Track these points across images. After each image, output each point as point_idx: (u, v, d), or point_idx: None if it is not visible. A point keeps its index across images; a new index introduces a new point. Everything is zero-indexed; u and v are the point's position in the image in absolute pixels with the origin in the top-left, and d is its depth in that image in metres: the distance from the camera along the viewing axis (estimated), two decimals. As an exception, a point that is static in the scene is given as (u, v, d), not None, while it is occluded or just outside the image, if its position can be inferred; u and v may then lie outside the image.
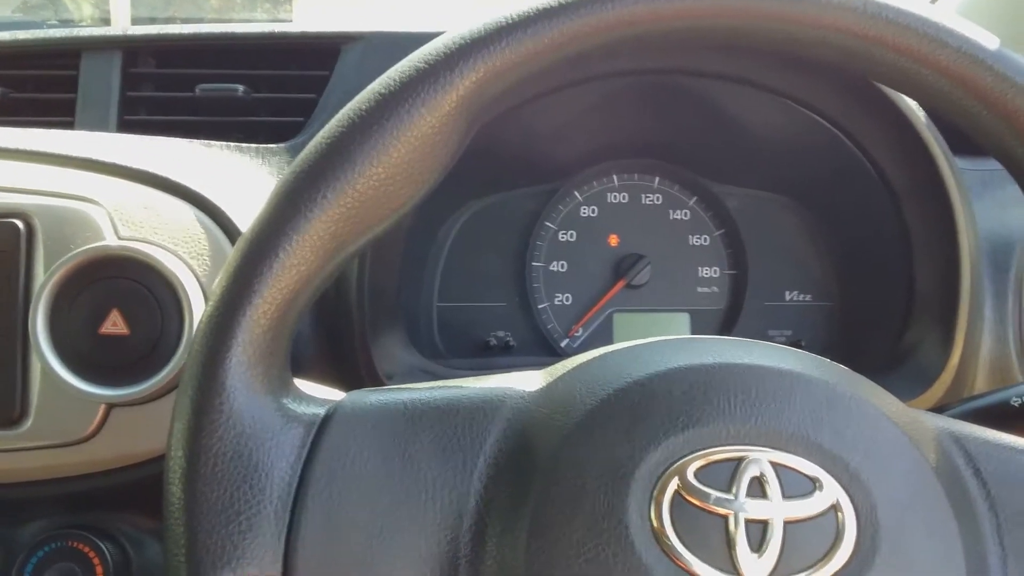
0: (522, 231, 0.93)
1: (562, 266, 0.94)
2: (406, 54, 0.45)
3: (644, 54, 0.75)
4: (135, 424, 0.65)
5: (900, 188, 0.78)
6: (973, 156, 0.83)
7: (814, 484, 0.39)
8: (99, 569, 0.71)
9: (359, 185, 0.42)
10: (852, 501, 0.39)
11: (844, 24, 0.45)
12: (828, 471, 0.40)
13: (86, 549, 0.71)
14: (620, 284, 0.93)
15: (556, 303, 0.93)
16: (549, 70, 0.45)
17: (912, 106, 0.75)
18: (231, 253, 0.43)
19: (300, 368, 0.71)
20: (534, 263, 0.93)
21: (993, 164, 0.84)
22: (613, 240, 0.94)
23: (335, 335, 0.74)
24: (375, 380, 0.73)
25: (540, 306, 0.93)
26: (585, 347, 0.93)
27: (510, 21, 0.43)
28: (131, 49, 0.87)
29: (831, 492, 0.39)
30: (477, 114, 0.45)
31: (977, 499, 0.42)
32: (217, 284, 0.42)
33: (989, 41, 0.45)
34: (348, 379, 0.73)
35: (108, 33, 0.87)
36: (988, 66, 0.45)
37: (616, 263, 0.93)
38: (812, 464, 0.40)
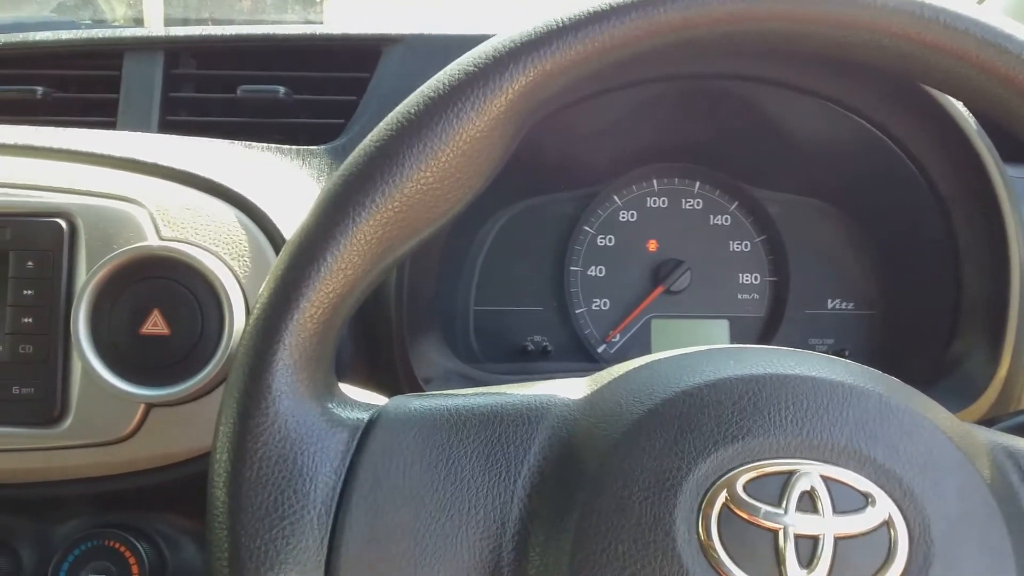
0: (560, 235, 0.93)
1: (600, 271, 0.93)
2: (446, 56, 0.45)
3: (689, 58, 0.74)
4: (174, 424, 0.65)
5: (948, 195, 0.77)
6: None
7: (866, 499, 0.39)
8: (135, 569, 0.71)
9: (407, 189, 0.42)
10: (905, 517, 0.39)
11: (900, 28, 0.44)
12: (881, 486, 0.39)
13: (122, 548, 0.71)
14: (659, 290, 0.92)
15: (594, 308, 0.93)
16: (599, 74, 0.44)
17: (963, 112, 0.74)
18: (278, 256, 0.43)
19: (338, 373, 0.70)
20: (572, 267, 0.92)
21: (1045, 172, 0.83)
22: (652, 245, 0.93)
23: (372, 339, 0.74)
24: (413, 384, 0.73)
25: (577, 311, 0.92)
26: (622, 353, 0.92)
27: (561, 24, 0.43)
28: (173, 50, 0.87)
29: (883, 508, 0.39)
30: (526, 118, 0.45)
31: None
32: (264, 287, 0.42)
33: None
34: (385, 383, 0.73)
35: (150, 34, 0.88)
36: None
37: (655, 268, 0.93)
38: (864, 479, 0.39)
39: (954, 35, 0.44)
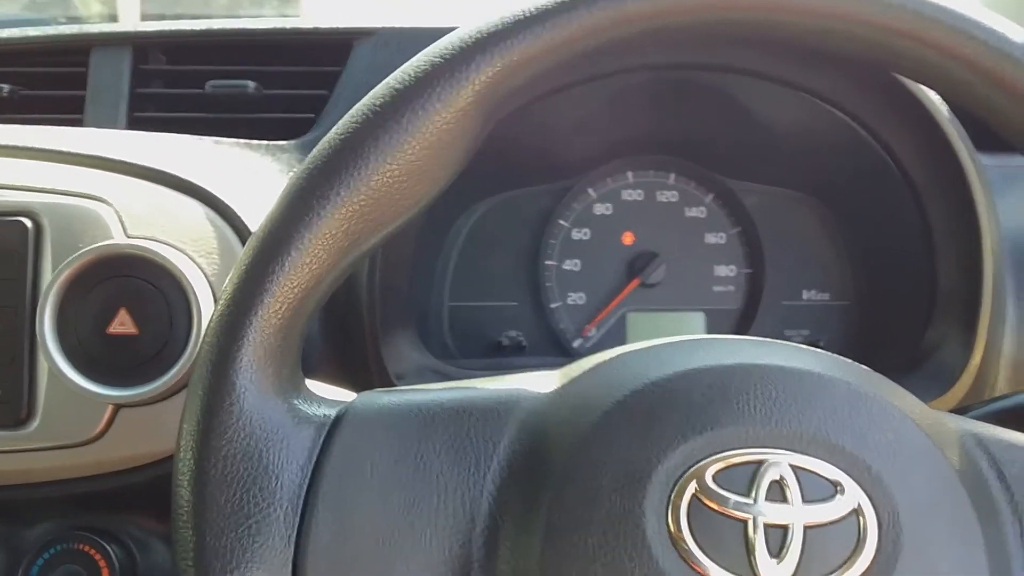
0: (535, 229, 0.92)
1: (575, 265, 0.93)
2: (418, 50, 0.44)
3: (661, 48, 0.74)
4: (143, 425, 0.64)
5: (922, 185, 0.78)
6: (996, 152, 0.82)
7: (835, 488, 0.39)
8: (105, 571, 0.70)
9: (373, 182, 0.42)
10: (874, 505, 0.39)
11: (869, 16, 0.44)
12: (850, 474, 0.39)
13: (92, 551, 0.70)
14: (634, 283, 0.92)
15: (569, 302, 0.93)
16: (567, 65, 0.44)
17: (935, 101, 0.74)
18: (242, 251, 0.42)
19: (309, 368, 0.70)
20: (547, 261, 0.92)
21: (1017, 160, 0.83)
22: (628, 238, 0.93)
23: (345, 335, 0.73)
24: (385, 380, 0.73)
25: (553, 305, 0.92)
26: (598, 347, 0.92)
27: (527, 14, 0.43)
28: (141, 45, 0.86)
29: (852, 496, 0.39)
30: (493, 110, 0.44)
31: (1001, 503, 0.41)
32: (228, 283, 0.42)
33: (1017, 34, 0.44)
34: (358, 379, 0.72)
35: (118, 29, 0.87)
36: (1016, 59, 0.44)
37: (630, 261, 0.93)
38: (833, 467, 0.39)
39: (922, 22, 0.44)
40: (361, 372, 0.73)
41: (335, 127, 0.43)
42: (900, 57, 0.46)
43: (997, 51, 0.44)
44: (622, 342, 0.92)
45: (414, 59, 0.43)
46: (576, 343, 0.92)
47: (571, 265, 0.93)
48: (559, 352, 0.92)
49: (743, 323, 0.93)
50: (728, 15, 0.44)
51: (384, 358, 0.73)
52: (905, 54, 0.45)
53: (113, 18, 1.47)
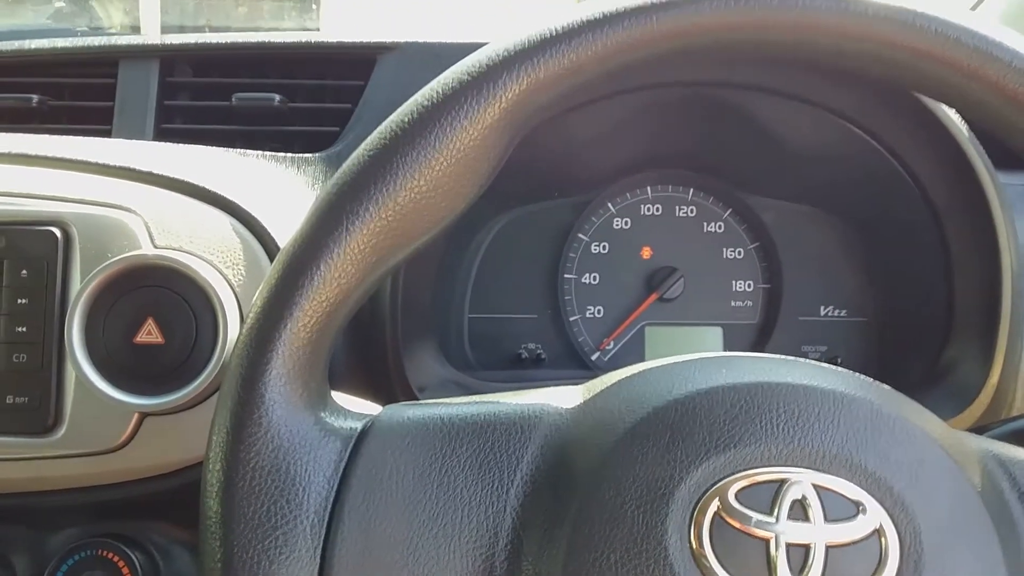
0: (554, 243, 0.93)
1: (594, 278, 0.93)
2: (441, 64, 0.45)
3: (682, 66, 0.74)
4: (168, 433, 0.65)
5: (941, 202, 0.77)
6: (1016, 170, 0.82)
7: (857, 508, 0.39)
8: (129, 578, 0.71)
9: (401, 198, 0.42)
10: (896, 525, 0.39)
11: (892, 37, 0.44)
12: (872, 494, 0.39)
13: (115, 558, 0.71)
14: (652, 297, 0.92)
15: (588, 316, 0.93)
16: (592, 82, 0.44)
17: (954, 119, 0.74)
18: (272, 266, 0.43)
19: (332, 380, 0.70)
20: (566, 275, 0.93)
21: (1036, 179, 0.83)
22: (646, 252, 0.93)
23: (367, 347, 0.74)
24: (407, 392, 0.73)
25: (572, 319, 0.92)
26: (616, 360, 0.93)
27: (554, 33, 0.43)
28: (168, 58, 0.87)
29: (874, 516, 0.39)
30: (519, 126, 0.45)
31: (1021, 524, 0.41)
32: (257, 297, 0.42)
33: None
34: (380, 391, 0.73)
35: (146, 42, 0.88)
36: None
37: (649, 276, 0.93)
38: (855, 487, 0.39)
39: (945, 43, 0.44)
40: (383, 384, 0.73)
41: (364, 143, 0.44)
42: (922, 77, 0.46)
43: (1019, 71, 0.44)
44: (640, 356, 0.93)
45: (441, 76, 0.44)
46: (594, 356, 0.93)
47: (590, 279, 0.93)
48: (578, 365, 0.92)
49: (760, 339, 0.93)
50: (752, 35, 0.44)
51: (406, 370, 0.73)
52: (927, 74, 0.45)
53: (135, 28, 1.48)
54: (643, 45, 0.43)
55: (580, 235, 0.93)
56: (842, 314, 0.93)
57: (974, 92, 0.45)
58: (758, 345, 0.93)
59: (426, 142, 0.42)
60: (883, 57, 0.45)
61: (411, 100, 0.44)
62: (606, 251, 0.93)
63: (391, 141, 0.43)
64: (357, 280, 0.42)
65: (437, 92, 0.43)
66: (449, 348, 0.87)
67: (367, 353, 0.74)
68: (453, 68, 0.44)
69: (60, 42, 0.89)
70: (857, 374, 0.46)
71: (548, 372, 0.91)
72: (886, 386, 0.46)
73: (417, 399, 0.73)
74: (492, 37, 0.47)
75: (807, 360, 0.46)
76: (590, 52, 0.43)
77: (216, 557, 0.40)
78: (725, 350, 0.93)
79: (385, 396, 0.73)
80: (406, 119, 0.43)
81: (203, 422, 0.63)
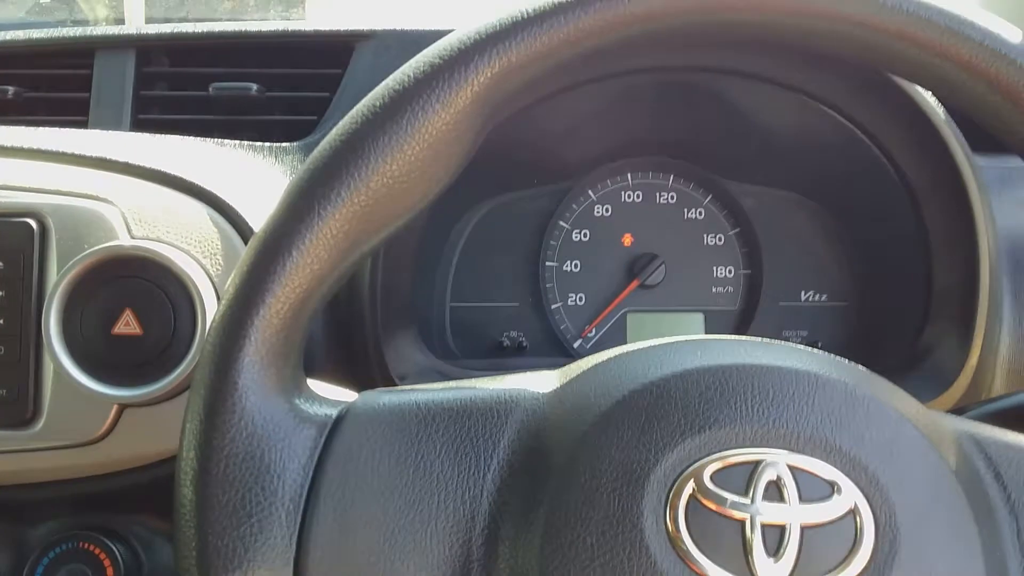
0: (535, 230, 0.93)
1: (575, 266, 0.93)
2: (419, 51, 0.44)
3: (658, 51, 0.74)
4: (147, 424, 0.65)
5: (918, 186, 0.78)
6: (993, 153, 0.83)
7: (832, 488, 0.39)
8: (110, 570, 0.71)
9: (373, 183, 0.42)
10: (871, 505, 0.39)
11: (863, 17, 0.44)
12: (847, 474, 0.39)
13: (97, 550, 0.71)
14: (634, 284, 0.92)
15: (569, 303, 0.93)
16: (564, 66, 0.44)
17: (931, 102, 0.75)
18: (244, 252, 0.43)
19: (313, 369, 0.70)
20: (547, 263, 0.93)
21: (1013, 161, 0.83)
22: (627, 240, 0.93)
23: (348, 336, 0.74)
24: (388, 381, 0.73)
25: (553, 306, 0.93)
26: (598, 347, 0.93)
27: (525, 16, 0.43)
28: (145, 48, 0.87)
29: (849, 496, 0.39)
30: (492, 111, 0.45)
31: (997, 503, 0.42)
32: (230, 283, 0.42)
33: (1012, 34, 0.45)
34: (361, 380, 0.73)
35: (122, 32, 0.88)
36: (1011, 60, 0.44)
37: (630, 263, 0.93)
38: (830, 467, 0.39)
39: (917, 23, 0.44)
40: (363, 372, 0.73)
41: (335, 128, 0.44)
42: (896, 59, 0.46)
43: (992, 52, 0.44)
44: (622, 342, 0.93)
45: (412, 60, 0.44)
46: (576, 343, 0.93)
47: (571, 266, 0.93)
48: (560, 352, 0.92)
49: (742, 324, 0.94)
50: (723, 16, 0.44)
51: (386, 359, 0.73)
52: (900, 55, 0.46)
53: (119, 21, 1.47)
54: (613, 28, 0.43)
55: (561, 223, 0.93)
56: (822, 299, 0.93)
57: (948, 73, 0.45)
58: (739, 330, 0.93)
59: (398, 127, 0.42)
60: (857, 38, 0.45)
61: (382, 85, 0.43)
62: (587, 239, 0.93)
63: (362, 126, 0.42)
64: (330, 266, 0.42)
65: (408, 77, 0.43)
66: (431, 337, 0.87)
67: (347, 342, 0.74)
68: (424, 53, 0.44)
69: (36, 33, 0.89)
70: (832, 356, 0.46)
71: (530, 360, 0.91)
72: (861, 367, 0.46)
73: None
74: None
75: (782, 342, 0.47)
76: (561, 35, 0.43)
77: (191, 545, 0.40)
78: (708, 335, 0.93)
79: (366, 384, 0.72)
80: (377, 104, 0.43)
81: (183, 413, 0.63)
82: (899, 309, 0.84)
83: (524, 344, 0.92)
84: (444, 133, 0.43)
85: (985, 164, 0.79)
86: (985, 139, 0.56)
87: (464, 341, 0.92)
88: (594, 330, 0.93)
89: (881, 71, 0.64)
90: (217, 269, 0.66)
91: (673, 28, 0.44)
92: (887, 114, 0.77)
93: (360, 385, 0.49)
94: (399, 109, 0.42)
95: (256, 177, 0.76)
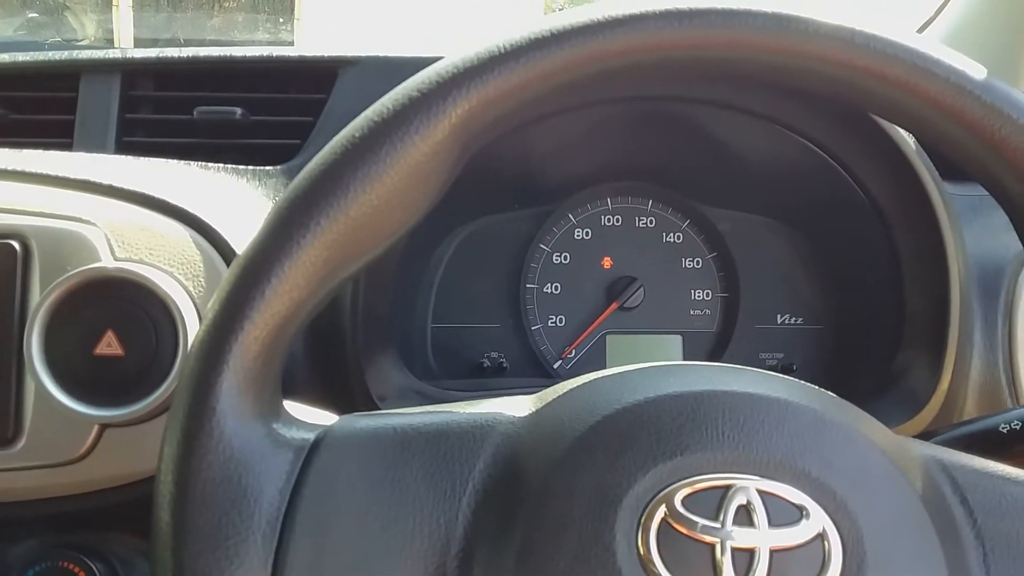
0: (516, 253, 0.94)
1: (555, 288, 0.94)
2: (403, 78, 0.45)
3: (635, 81, 0.75)
4: (128, 445, 0.65)
5: (890, 214, 0.79)
6: (963, 182, 0.84)
7: (800, 512, 0.40)
8: (89, 589, 0.71)
9: (351, 212, 0.42)
10: (838, 530, 0.39)
11: (832, 54, 0.45)
12: (815, 499, 0.40)
13: (76, 569, 0.71)
14: (613, 306, 0.93)
15: (549, 325, 0.94)
16: (541, 98, 0.45)
17: (902, 133, 0.76)
18: (224, 278, 0.43)
19: (294, 390, 0.71)
20: (528, 285, 0.93)
21: (983, 190, 0.84)
22: (606, 262, 0.94)
23: (329, 357, 0.74)
24: (368, 402, 0.73)
25: (534, 328, 0.93)
26: (578, 369, 0.93)
27: (502, 50, 0.43)
28: (130, 72, 0.87)
29: (817, 520, 0.39)
30: (470, 141, 0.45)
31: (964, 528, 0.42)
32: (209, 309, 0.43)
33: (976, 71, 0.45)
34: (342, 401, 0.73)
35: (108, 56, 0.88)
36: (975, 96, 0.45)
37: (609, 285, 0.94)
38: (799, 492, 0.40)
39: (884, 60, 0.45)
40: (344, 393, 0.74)
41: (316, 157, 0.44)
42: (865, 94, 0.47)
43: (958, 88, 0.45)
44: (601, 364, 0.94)
45: (392, 92, 0.44)
46: (556, 364, 0.94)
47: (551, 288, 0.94)
48: (540, 373, 0.93)
49: (719, 346, 0.95)
50: (700, 53, 0.45)
51: (367, 380, 0.73)
52: (869, 91, 0.46)
53: (108, 39, 1.48)
54: (589, 63, 0.44)
55: (541, 245, 0.94)
56: (798, 322, 0.95)
57: (914, 108, 0.46)
58: (716, 353, 0.94)
59: (376, 158, 0.42)
60: (826, 75, 0.46)
61: (362, 115, 0.44)
62: (567, 261, 0.94)
63: (342, 156, 0.43)
64: (309, 292, 0.43)
65: (387, 108, 0.43)
66: (412, 357, 0.88)
67: (329, 362, 0.74)
68: (404, 84, 0.44)
69: (21, 56, 0.89)
70: (802, 382, 0.47)
71: (511, 381, 0.91)
72: (831, 393, 0.47)
73: (378, 408, 0.73)
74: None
75: (754, 369, 0.47)
76: (537, 69, 0.43)
77: (167, 568, 0.40)
78: (684, 358, 0.94)
79: (346, 406, 0.73)
80: (357, 134, 0.43)
81: (163, 434, 0.64)
82: (873, 333, 0.85)
83: (504, 365, 0.92)
84: (422, 163, 0.43)
85: (956, 192, 0.80)
86: (955, 168, 0.58)
87: (445, 361, 0.92)
88: (574, 351, 0.94)
89: (852, 107, 0.65)
90: (199, 291, 0.66)
91: (648, 63, 0.45)
92: (859, 144, 0.78)
93: (341, 406, 0.50)
94: (378, 140, 0.43)
95: (239, 200, 0.77)
